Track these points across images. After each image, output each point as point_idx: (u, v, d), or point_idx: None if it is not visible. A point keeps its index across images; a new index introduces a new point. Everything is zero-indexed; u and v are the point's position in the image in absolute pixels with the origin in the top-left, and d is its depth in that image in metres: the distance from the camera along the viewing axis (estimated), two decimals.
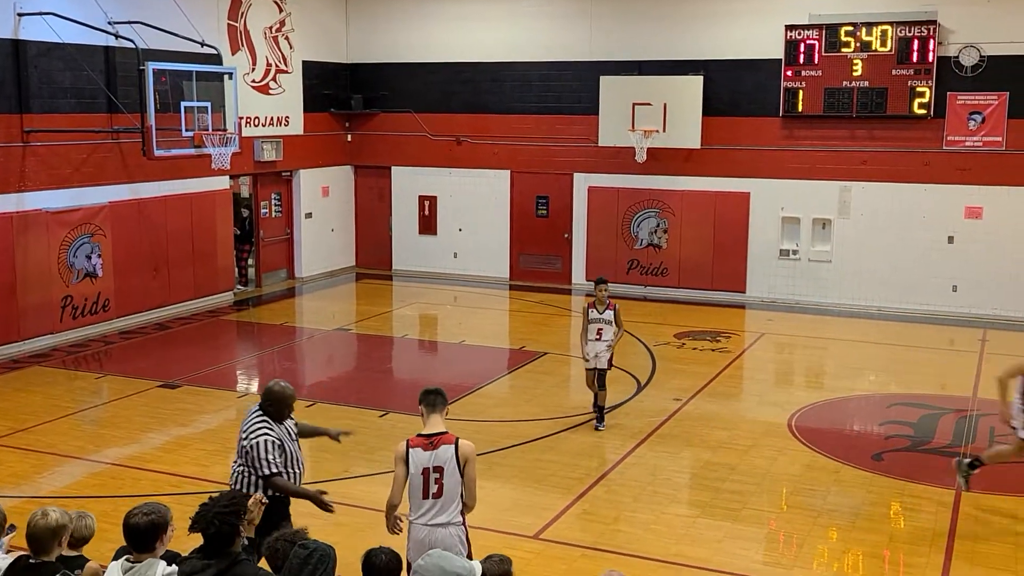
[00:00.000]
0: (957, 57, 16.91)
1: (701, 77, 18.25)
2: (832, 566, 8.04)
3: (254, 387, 13.30)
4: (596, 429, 11.13)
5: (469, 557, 5.86)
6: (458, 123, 20.70)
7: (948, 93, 16.99)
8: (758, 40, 18.06)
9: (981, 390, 12.95)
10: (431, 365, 15.44)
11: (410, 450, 5.92)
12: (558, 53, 19.65)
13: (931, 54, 16.82)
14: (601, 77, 18.86)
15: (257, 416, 6.59)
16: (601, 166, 19.54)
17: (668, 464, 10.21)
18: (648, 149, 18.51)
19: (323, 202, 21.24)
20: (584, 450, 10.64)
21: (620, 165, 19.17)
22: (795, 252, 18.44)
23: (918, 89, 17.01)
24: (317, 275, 21.01)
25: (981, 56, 16.77)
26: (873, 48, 17.17)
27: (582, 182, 19.86)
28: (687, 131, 18.33)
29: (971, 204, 17.13)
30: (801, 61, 17.67)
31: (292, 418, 6.79)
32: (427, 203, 21.29)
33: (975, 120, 16.93)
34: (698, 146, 18.40)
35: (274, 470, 6.43)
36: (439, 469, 5.85)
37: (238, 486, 6.53)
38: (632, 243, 19.57)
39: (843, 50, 17.36)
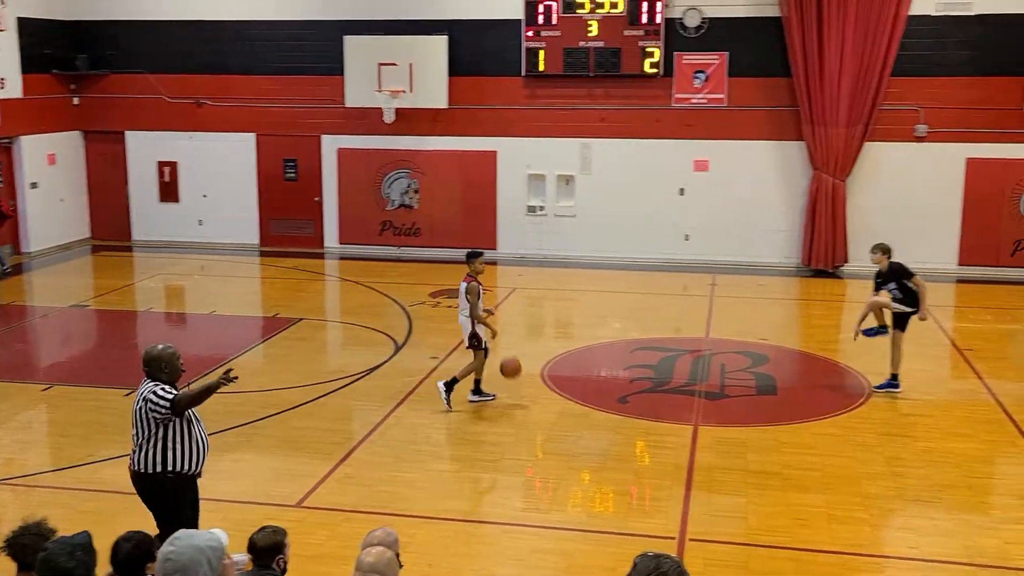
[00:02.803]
0: (682, 19, 17.94)
1: (446, 37, 18.38)
2: (585, 506, 8.50)
3: None
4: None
5: None
6: (198, 85, 19.79)
7: (675, 53, 18.02)
8: (499, 0, 18.38)
9: (712, 331, 14.00)
10: (180, 338, 14.81)
11: None
12: (301, 11, 19.16)
13: (658, 15, 17.75)
14: (345, 37, 18.59)
15: (146, 383, 6.47)
16: (349, 127, 19.32)
17: (429, 422, 10.37)
18: (396, 109, 18.51)
19: (50, 171, 19.75)
20: (344, 414, 10.62)
21: (368, 126, 19.03)
22: (541, 208, 19.07)
23: (648, 49, 17.92)
24: (48, 249, 19.58)
25: (703, 18, 17.88)
26: (606, 9, 17.90)
27: (331, 144, 19.57)
28: (434, 91, 18.45)
29: (699, 158, 18.33)
30: (540, 21, 18.16)
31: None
32: (167, 169, 20.29)
33: (699, 78, 18.07)
34: (445, 106, 18.57)
35: (173, 393, 6.34)
36: None
37: (146, 464, 6.41)
38: (384, 204, 19.55)
39: (579, 11, 17.99)
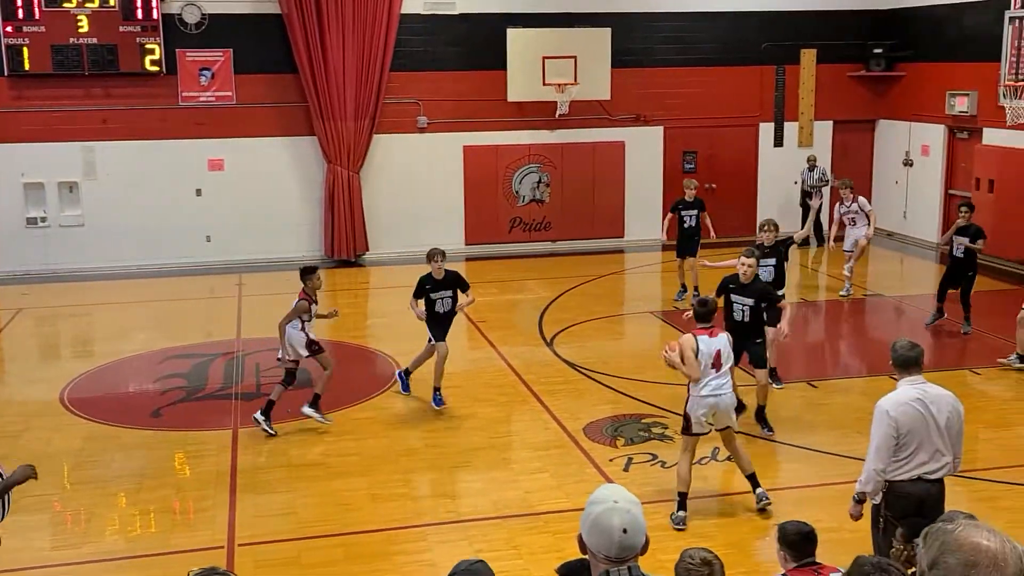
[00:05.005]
0: (181, 15, 17.40)
1: None
2: (124, 532, 8.03)
3: None
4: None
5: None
6: None
7: (177, 50, 17.44)
8: None
9: (244, 331, 13.86)
10: None
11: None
12: None
13: (155, 11, 17.03)
14: None
15: None
16: None
17: None
18: None
19: None
20: None
21: None
22: (43, 219, 17.51)
23: (147, 46, 17.14)
24: None
25: (203, 14, 17.49)
26: (96, 4, 16.81)
27: None
28: None
29: (213, 156, 17.94)
30: (21, 16, 16.59)
31: None
32: None
33: (206, 76, 17.67)
34: None
35: None
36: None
37: None
38: None
39: (65, 5, 16.71)
